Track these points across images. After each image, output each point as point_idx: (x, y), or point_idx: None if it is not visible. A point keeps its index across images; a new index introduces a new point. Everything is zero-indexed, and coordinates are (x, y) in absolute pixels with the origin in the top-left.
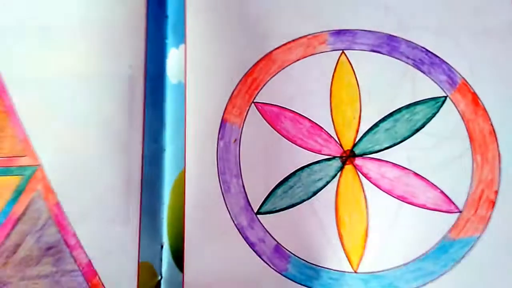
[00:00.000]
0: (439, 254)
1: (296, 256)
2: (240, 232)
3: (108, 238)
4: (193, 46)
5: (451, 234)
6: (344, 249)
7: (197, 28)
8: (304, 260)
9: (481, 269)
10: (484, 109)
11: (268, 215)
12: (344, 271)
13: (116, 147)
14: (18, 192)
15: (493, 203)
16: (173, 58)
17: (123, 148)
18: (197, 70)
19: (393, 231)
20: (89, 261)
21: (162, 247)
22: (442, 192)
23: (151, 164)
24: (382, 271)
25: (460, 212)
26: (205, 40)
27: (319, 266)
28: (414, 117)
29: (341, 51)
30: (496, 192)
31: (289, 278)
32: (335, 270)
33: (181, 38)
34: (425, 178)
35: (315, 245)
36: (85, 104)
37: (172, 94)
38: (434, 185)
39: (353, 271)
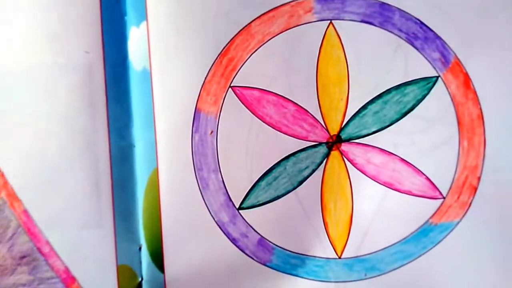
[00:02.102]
0: (420, 237)
1: (280, 247)
2: (221, 229)
3: (82, 243)
4: (156, 23)
5: (432, 219)
6: (328, 237)
7: (160, 1)
8: (289, 251)
9: (458, 251)
10: (475, 92)
11: (251, 209)
12: (329, 258)
13: (80, 146)
14: None
15: (475, 189)
16: (135, 39)
17: (88, 147)
18: (163, 52)
19: (378, 217)
20: (66, 267)
21: (140, 248)
22: (427, 178)
23: (120, 163)
24: (365, 255)
25: (444, 198)
26: (171, 15)
27: (304, 254)
28: (404, 98)
29: (328, 22)
30: (479, 179)
31: (273, 268)
32: (319, 257)
33: (142, 13)
34: (412, 164)
35: (300, 235)
36: (41, 100)
37: (137, 83)
38: (420, 171)
39: (337, 257)
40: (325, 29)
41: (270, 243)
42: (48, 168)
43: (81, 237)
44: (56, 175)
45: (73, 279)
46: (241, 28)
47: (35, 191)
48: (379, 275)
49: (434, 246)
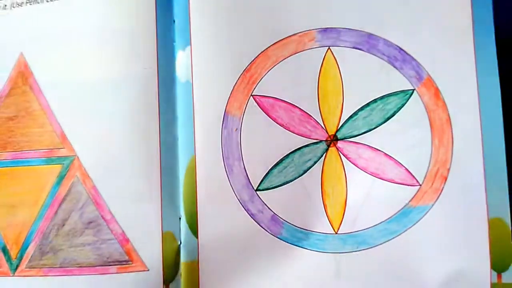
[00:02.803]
0: (401, 218)
1: (289, 223)
2: (242, 206)
3: (136, 213)
4: (197, 48)
5: (411, 202)
6: (327, 216)
7: (200, 31)
8: (296, 226)
9: (432, 229)
10: (444, 101)
11: (265, 191)
12: (328, 233)
13: (138, 138)
14: (60, 178)
15: (445, 178)
16: (181, 59)
17: (144, 139)
18: (202, 69)
19: (367, 201)
20: (123, 232)
21: (180, 219)
22: (407, 169)
23: (167, 151)
24: (357, 231)
25: (420, 185)
26: (208, 42)
27: (307, 230)
28: (386, 107)
29: (327, 48)
30: (448, 170)
31: (283, 240)
32: (320, 232)
33: (187, 40)
34: (394, 158)
35: (304, 214)
36: (110, 102)
37: (182, 92)
38: (401, 164)
39: (334, 232)
40: (324, 53)
41: (281, 219)
42: (113, 154)
43: (135, 208)
44: (119, 160)
45: (127, 240)
46: (260, 51)
47: (102, 172)
48: (368, 248)
49: (413, 225)
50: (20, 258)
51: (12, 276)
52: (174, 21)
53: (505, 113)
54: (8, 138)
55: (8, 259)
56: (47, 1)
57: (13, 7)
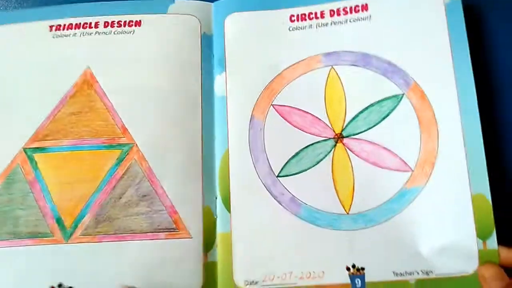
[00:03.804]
0: (400, 198)
1: (306, 204)
2: (266, 189)
3: (183, 190)
4: (230, 73)
5: (406, 185)
6: (339, 199)
7: (232, 62)
8: (312, 207)
9: (425, 206)
10: (429, 102)
11: (285, 177)
12: (340, 214)
13: (185, 134)
14: (120, 160)
15: (433, 164)
16: (218, 80)
17: (190, 135)
18: (234, 87)
19: (370, 185)
20: (172, 204)
21: (216, 198)
22: (401, 159)
23: (207, 144)
24: (364, 211)
25: (412, 171)
26: (238, 69)
27: (323, 210)
28: (382, 109)
29: (330, 67)
30: (435, 157)
31: (301, 219)
32: (334, 213)
33: (223, 68)
34: (390, 150)
35: (318, 197)
36: (164, 107)
37: (218, 103)
38: (396, 154)
39: (346, 213)
40: (328, 71)
41: (299, 200)
42: (165, 145)
43: (182, 187)
44: (169, 149)
45: (176, 212)
46: (278, 73)
47: (156, 158)
48: (375, 225)
49: (409, 204)
50: (74, 227)
51: (65, 243)
52: (213, 56)
53: (480, 108)
54: (70, 128)
55: (63, 228)
56: (114, 33)
57: (83, 35)
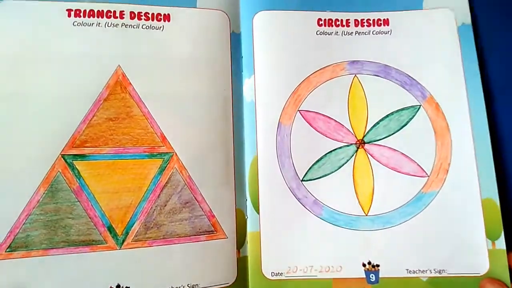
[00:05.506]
0: (416, 202)
1: (327, 206)
2: (291, 191)
3: (219, 195)
4: (259, 77)
5: (423, 189)
6: (359, 202)
7: (261, 64)
8: (333, 209)
9: (440, 209)
10: (443, 113)
11: (309, 181)
12: (359, 215)
13: (219, 141)
14: (162, 169)
15: (447, 171)
16: (247, 84)
17: (223, 142)
18: (262, 91)
19: (389, 189)
20: (210, 209)
21: (246, 200)
22: (418, 165)
23: (238, 151)
24: (382, 213)
25: (428, 176)
26: (266, 72)
27: (343, 212)
28: (401, 118)
29: (354, 75)
30: (449, 164)
31: (323, 220)
32: (353, 214)
33: (251, 71)
34: (408, 156)
35: (340, 200)
36: (200, 113)
37: (247, 108)
38: (413, 160)
39: (365, 215)
40: (352, 79)
41: (321, 203)
42: (201, 153)
43: (218, 192)
44: (206, 157)
45: (213, 216)
46: (304, 78)
47: (194, 165)
48: (392, 227)
49: (425, 207)
50: (126, 234)
51: (119, 249)
52: (242, 57)
53: (489, 119)
54: (110, 135)
55: (114, 235)
56: (143, 28)
57: (108, 26)
